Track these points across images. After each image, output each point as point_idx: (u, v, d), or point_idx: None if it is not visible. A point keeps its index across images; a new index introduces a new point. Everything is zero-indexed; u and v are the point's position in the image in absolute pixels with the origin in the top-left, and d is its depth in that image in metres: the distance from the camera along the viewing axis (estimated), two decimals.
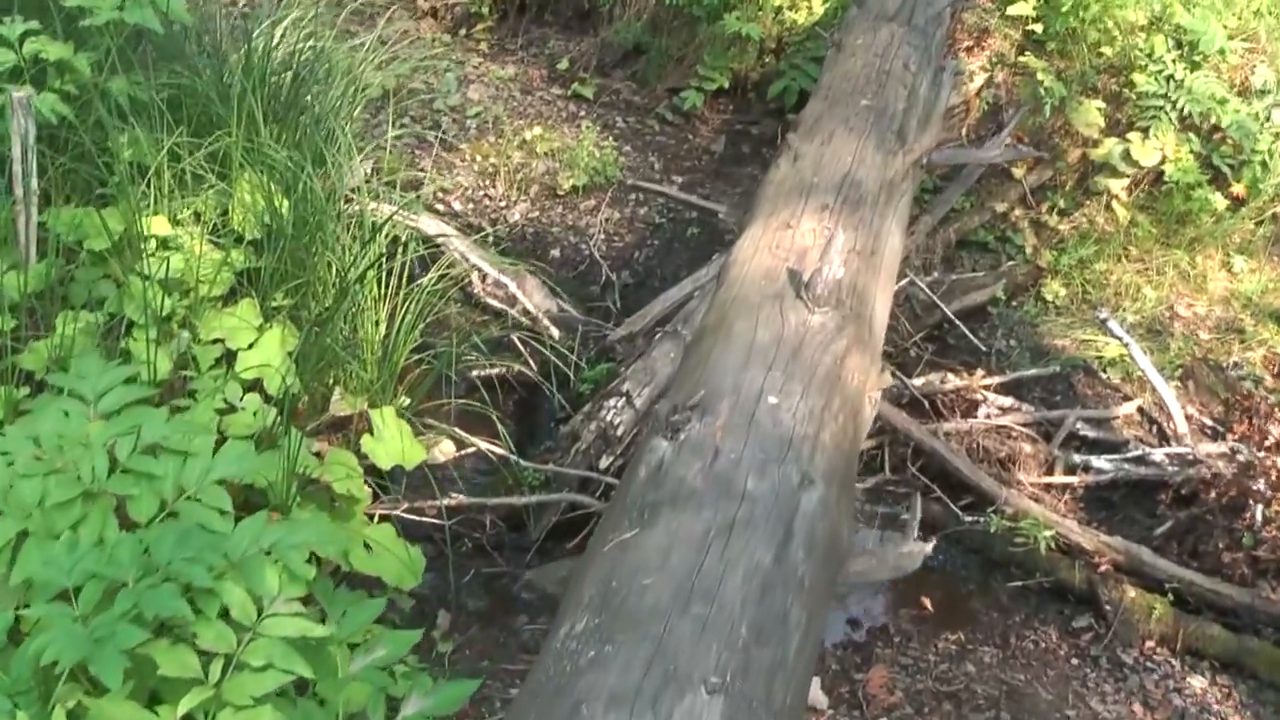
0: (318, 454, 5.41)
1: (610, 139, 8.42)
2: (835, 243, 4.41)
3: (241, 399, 5.20)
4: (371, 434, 5.50)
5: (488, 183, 7.87)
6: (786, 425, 3.80)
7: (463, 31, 9.55)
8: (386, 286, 5.76)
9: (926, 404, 6.72)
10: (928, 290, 7.13)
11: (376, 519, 5.45)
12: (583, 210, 7.85)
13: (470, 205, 7.73)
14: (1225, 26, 8.08)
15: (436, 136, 8.13)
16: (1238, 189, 7.90)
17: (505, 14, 9.63)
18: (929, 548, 4.43)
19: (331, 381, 5.69)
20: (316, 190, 5.69)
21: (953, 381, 6.77)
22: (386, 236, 5.98)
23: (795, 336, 4.16)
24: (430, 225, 7.08)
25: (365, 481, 5.20)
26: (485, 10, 9.50)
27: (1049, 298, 7.51)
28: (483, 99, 8.47)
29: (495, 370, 6.45)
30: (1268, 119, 7.94)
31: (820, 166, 5.23)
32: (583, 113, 8.72)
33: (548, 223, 7.73)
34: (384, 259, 5.86)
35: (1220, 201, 7.75)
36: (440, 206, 7.64)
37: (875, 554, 4.44)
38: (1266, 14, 8.42)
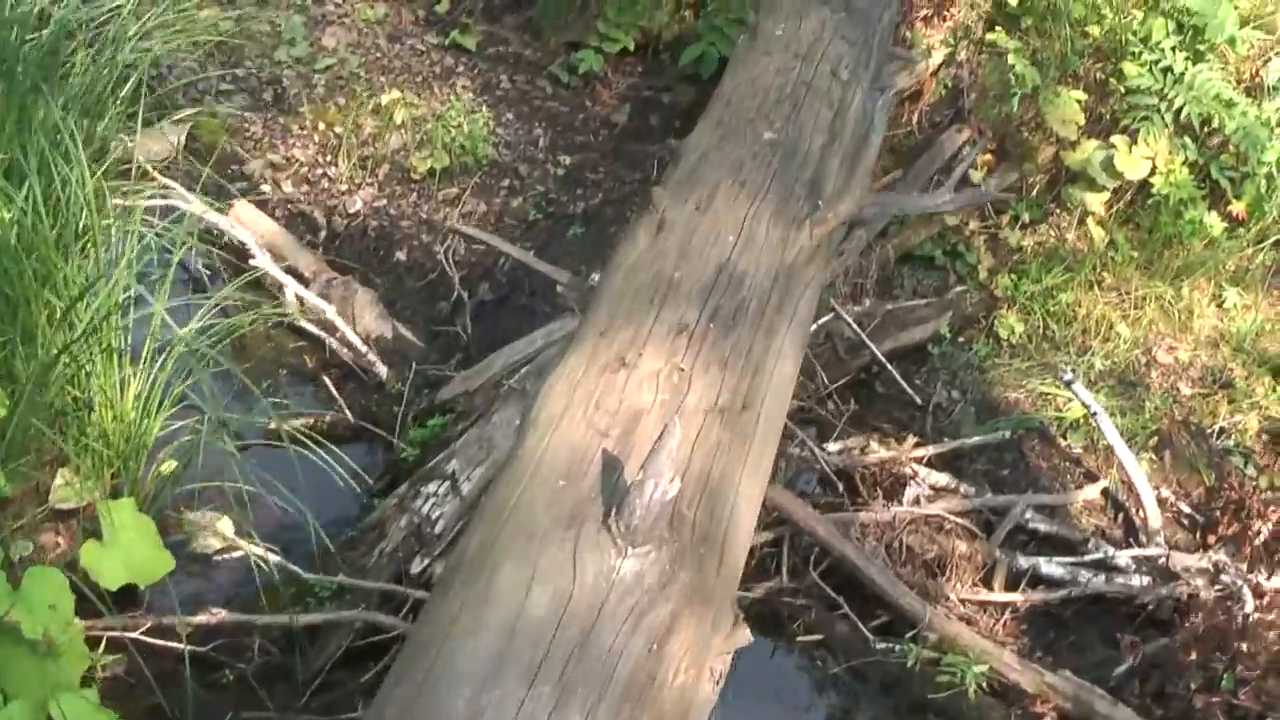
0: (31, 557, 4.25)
1: (488, 105, 7.00)
2: (682, 407, 3.05)
3: None
4: (102, 536, 4.23)
5: (329, 159, 6.49)
6: None
7: None
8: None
9: (841, 483, 5.41)
10: (855, 326, 5.84)
11: (104, 647, 4.19)
12: (441, 200, 6.51)
13: (304, 188, 6.38)
14: (1236, 8, 6.66)
15: (272, 95, 6.68)
16: (1237, 208, 6.62)
17: None
18: None
19: (56, 462, 4.41)
20: (38, 202, 4.32)
21: (876, 453, 5.52)
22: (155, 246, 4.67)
23: (589, 606, 2.78)
24: (238, 221, 5.72)
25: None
26: None
27: (1003, 334, 6.24)
28: (338, 47, 7.05)
29: (299, 422, 5.10)
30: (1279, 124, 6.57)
31: (689, 249, 3.85)
32: (460, 68, 7.31)
33: (397, 214, 6.38)
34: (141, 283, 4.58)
35: (1216, 224, 6.46)
36: (266, 188, 6.23)
37: None
38: None
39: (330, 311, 5.49)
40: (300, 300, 5.57)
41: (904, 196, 5.42)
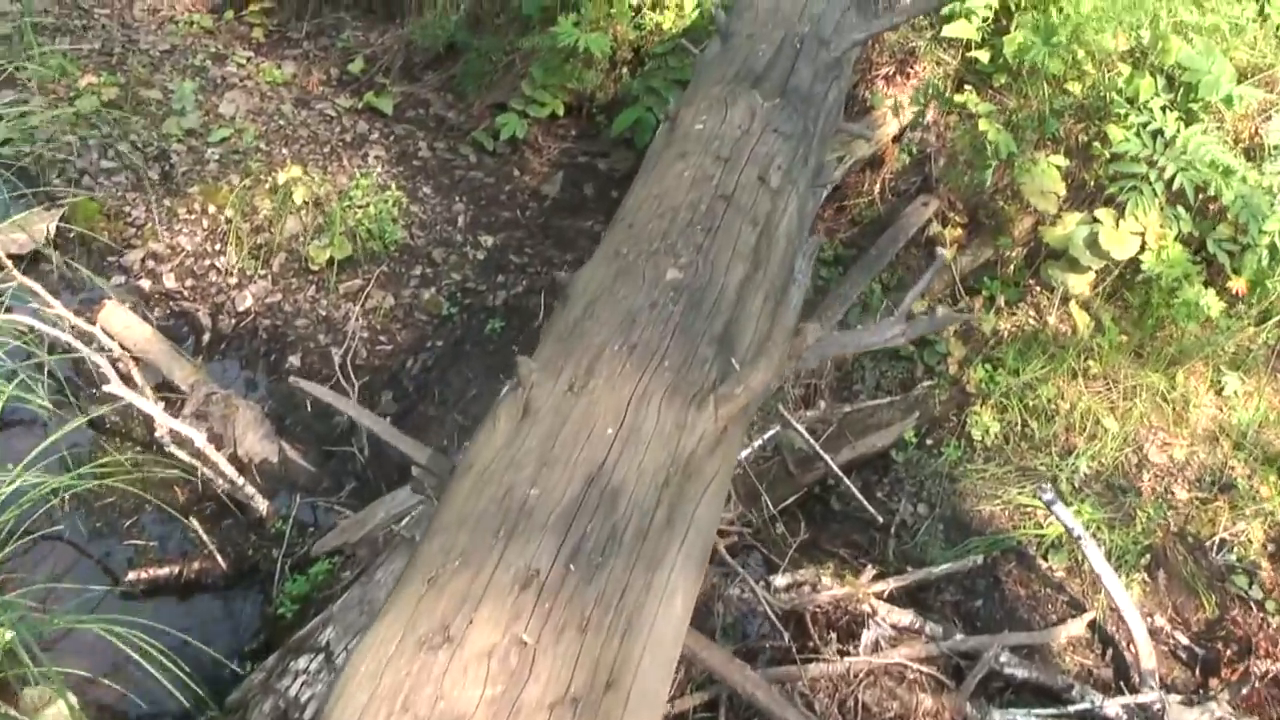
0: None
1: (403, 176, 6.30)
2: (518, 705, 2.34)
3: None
4: None
5: (217, 248, 5.81)
6: None
7: (230, 13, 7.33)
8: None
9: (789, 627, 4.75)
10: (806, 436, 5.15)
11: None
12: (343, 293, 5.82)
13: (189, 282, 5.70)
14: (1231, 59, 5.98)
15: (159, 172, 5.99)
16: (1236, 284, 5.92)
17: None
18: None
19: None
20: None
21: (830, 590, 4.83)
22: None
23: None
24: (105, 328, 5.08)
25: None
26: None
27: (976, 435, 5.59)
28: (237, 115, 6.37)
29: (164, 570, 4.49)
30: None
31: (553, 452, 2.97)
32: (375, 134, 6.63)
33: (292, 311, 5.69)
34: None
35: (1214, 304, 5.76)
36: (146, 283, 5.54)
37: None
38: None
39: (200, 440, 4.81)
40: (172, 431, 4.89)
41: (843, 335, 4.59)
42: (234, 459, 4.97)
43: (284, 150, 6.32)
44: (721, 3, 5.71)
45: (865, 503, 5.32)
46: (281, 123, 6.52)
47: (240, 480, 4.85)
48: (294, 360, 5.56)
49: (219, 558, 4.68)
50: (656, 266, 3.64)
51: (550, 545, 2.73)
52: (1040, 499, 5.11)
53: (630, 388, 3.19)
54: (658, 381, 3.23)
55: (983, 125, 5.96)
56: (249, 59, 6.99)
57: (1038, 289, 6.14)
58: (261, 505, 4.84)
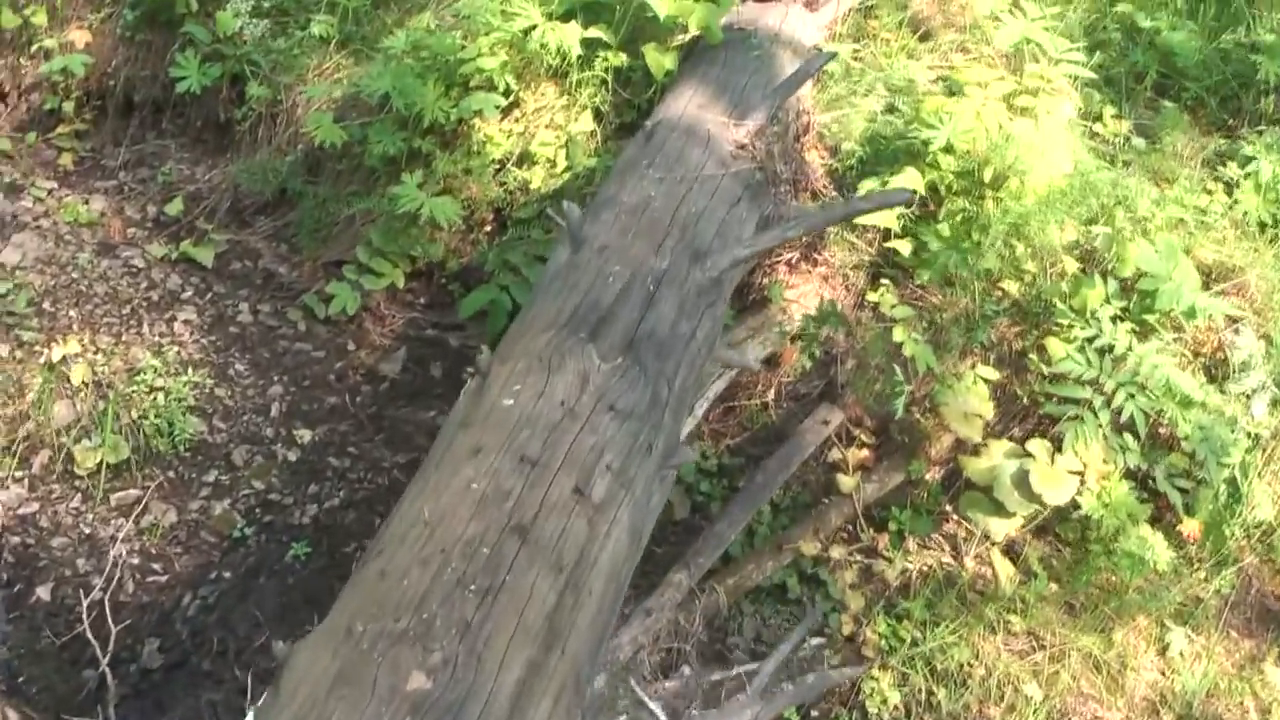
0: None
1: (215, 349, 5.42)
2: None
3: None
4: None
5: None
6: None
7: (34, 135, 6.40)
8: None
9: None
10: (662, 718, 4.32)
11: None
12: (115, 504, 4.90)
13: None
14: (1194, 259, 5.21)
15: None
16: (1188, 526, 5.10)
17: (104, 111, 6.49)
18: None
19: None
20: None
21: None
22: None
23: None
24: None
25: None
26: (70, 107, 6.34)
27: (872, 709, 5.00)
28: (22, 263, 5.46)
29: None
30: (1246, 412, 5.11)
31: None
32: (188, 292, 5.76)
33: (49, 528, 4.82)
34: None
35: (1162, 554, 4.95)
36: None
37: None
38: (1258, 236, 5.56)
39: None
40: None
41: None
42: None
43: (72, 312, 5.42)
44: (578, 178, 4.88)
45: None
46: (75, 275, 5.61)
47: None
48: (43, 593, 4.64)
49: None
50: (396, 667, 2.59)
51: None
52: None
53: None
54: None
55: (898, 336, 5.16)
56: (50, 192, 6.09)
57: (954, 519, 5.32)
58: None
